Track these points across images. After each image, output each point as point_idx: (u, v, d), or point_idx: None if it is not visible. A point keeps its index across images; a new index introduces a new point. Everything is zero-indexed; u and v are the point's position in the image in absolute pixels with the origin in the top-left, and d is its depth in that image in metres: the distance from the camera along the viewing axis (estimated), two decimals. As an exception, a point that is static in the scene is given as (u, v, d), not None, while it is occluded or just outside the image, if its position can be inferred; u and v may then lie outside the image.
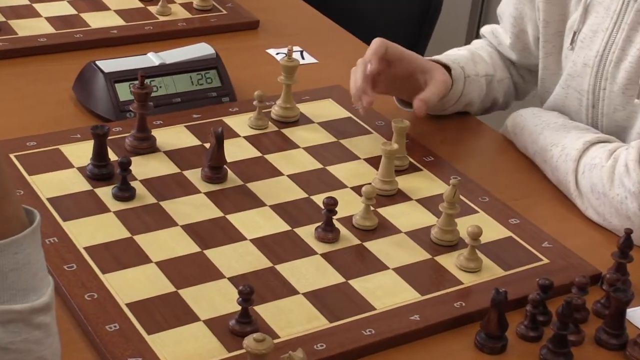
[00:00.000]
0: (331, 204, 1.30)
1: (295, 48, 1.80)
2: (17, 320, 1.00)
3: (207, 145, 1.43)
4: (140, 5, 1.95)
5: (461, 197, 1.40)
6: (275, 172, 1.47)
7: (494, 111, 1.74)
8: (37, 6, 1.91)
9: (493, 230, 1.36)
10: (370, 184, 1.40)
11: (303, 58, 1.80)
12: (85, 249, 1.26)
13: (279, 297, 1.21)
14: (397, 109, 1.67)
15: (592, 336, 1.19)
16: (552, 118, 1.55)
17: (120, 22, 1.89)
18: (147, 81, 1.52)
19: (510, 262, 1.30)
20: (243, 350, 1.01)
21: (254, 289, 1.12)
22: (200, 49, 1.67)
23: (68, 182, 1.40)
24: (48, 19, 1.87)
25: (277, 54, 1.74)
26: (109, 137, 1.45)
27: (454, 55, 1.67)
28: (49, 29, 1.83)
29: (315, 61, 1.80)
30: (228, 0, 1.99)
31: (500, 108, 1.74)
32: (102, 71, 1.57)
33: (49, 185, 1.38)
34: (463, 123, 1.66)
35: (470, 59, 1.67)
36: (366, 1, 1.81)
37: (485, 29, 1.81)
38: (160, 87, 1.59)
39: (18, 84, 1.68)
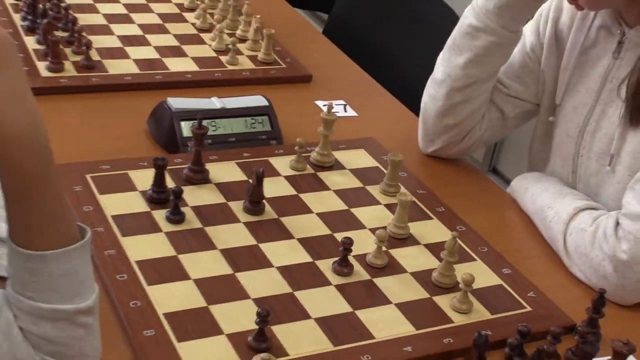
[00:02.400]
0: (347, 244, 1.30)
1: (340, 101, 1.82)
2: (63, 319, 1.02)
3: (251, 181, 1.44)
4: (214, 54, 1.98)
5: (463, 245, 1.42)
6: (306, 210, 1.47)
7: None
8: (129, 49, 1.95)
9: (487, 278, 1.36)
10: (385, 227, 1.40)
11: (345, 111, 1.81)
12: (137, 262, 1.27)
13: (293, 319, 1.21)
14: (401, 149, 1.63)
15: (561, 379, 1.18)
16: (551, 183, 1.55)
17: (194, 67, 1.91)
18: (208, 121, 1.56)
19: (497, 307, 1.29)
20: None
21: (271, 311, 1.13)
22: (257, 100, 1.69)
23: (130, 203, 1.41)
24: (135, 60, 1.89)
25: (324, 105, 1.73)
26: (171, 167, 1.47)
27: None
28: (134, 69, 1.85)
29: (356, 114, 1.80)
30: (287, 55, 2.02)
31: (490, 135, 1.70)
32: (170, 109, 1.60)
33: (115, 204, 1.40)
34: (474, 179, 1.67)
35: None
36: (404, 62, 1.78)
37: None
38: (219, 127, 1.60)
39: (102, 114, 1.70)
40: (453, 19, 1.63)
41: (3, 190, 1.00)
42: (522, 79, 1.64)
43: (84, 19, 1.99)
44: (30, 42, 1.86)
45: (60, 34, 1.84)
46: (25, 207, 1.01)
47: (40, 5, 1.92)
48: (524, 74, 1.64)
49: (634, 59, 1.43)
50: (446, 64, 1.60)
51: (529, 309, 1.29)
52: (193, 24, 2.08)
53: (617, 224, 1.35)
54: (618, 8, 1.46)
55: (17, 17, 1.96)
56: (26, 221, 1.01)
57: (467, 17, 1.56)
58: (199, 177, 1.50)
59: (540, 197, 1.51)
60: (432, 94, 1.63)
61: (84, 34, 1.86)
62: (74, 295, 1.02)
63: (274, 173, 1.54)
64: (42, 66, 1.77)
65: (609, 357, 1.14)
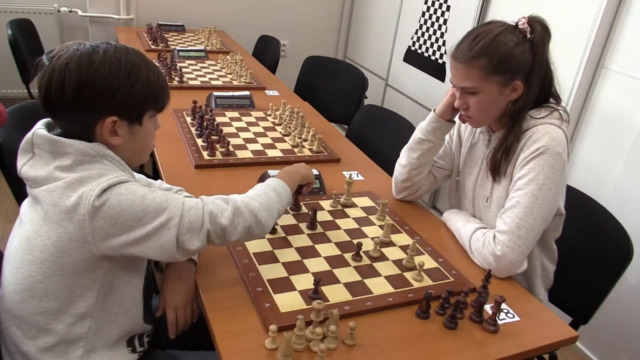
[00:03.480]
0: (360, 245, 1.33)
1: (355, 172, 1.83)
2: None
3: (310, 212, 1.46)
4: (290, 147, 1.94)
5: (418, 246, 1.42)
6: (337, 227, 1.46)
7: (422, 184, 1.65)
8: (248, 144, 1.91)
9: (431, 263, 1.35)
10: (379, 237, 1.42)
11: (357, 176, 1.81)
12: (253, 253, 1.30)
13: (332, 283, 1.22)
14: (386, 197, 1.65)
15: (468, 316, 1.19)
16: (462, 215, 1.54)
17: (280, 154, 1.87)
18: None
19: (436, 278, 1.30)
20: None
21: (320, 279, 1.16)
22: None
23: None
24: (251, 150, 1.88)
25: (348, 174, 1.74)
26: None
27: None
28: (250, 155, 1.84)
29: (363, 179, 1.80)
30: (327, 148, 1.97)
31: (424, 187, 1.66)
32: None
33: None
34: (424, 212, 1.64)
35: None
36: (388, 152, 1.79)
37: None
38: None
39: (234, 178, 1.70)
40: (412, 130, 1.64)
41: None
42: (443, 158, 1.64)
43: (226, 129, 2.02)
44: (199, 141, 1.89)
45: (213, 137, 1.88)
46: None
47: (205, 123, 1.97)
48: (445, 155, 1.64)
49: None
50: (407, 156, 1.60)
51: (452, 279, 1.30)
52: (280, 132, 2.08)
53: (494, 236, 1.36)
54: (489, 124, 1.48)
55: (192, 129, 1.99)
56: None
57: (417, 133, 1.58)
58: (294, 209, 1.52)
59: (457, 222, 1.50)
60: (399, 170, 1.63)
61: (225, 137, 1.89)
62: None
63: (321, 208, 1.55)
64: (205, 154, 1.79)
65: (492, 304, 1.17)
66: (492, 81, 1.32)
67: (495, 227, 1.37)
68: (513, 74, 1.32)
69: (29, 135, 1.02)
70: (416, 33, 3.28)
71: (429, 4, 3.15)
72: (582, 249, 1.60)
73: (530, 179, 1.32)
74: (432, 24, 3.12)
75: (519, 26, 1.33)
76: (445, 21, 3.02)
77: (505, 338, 1.14)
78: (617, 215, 1.55)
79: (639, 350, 2.09)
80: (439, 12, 3.07)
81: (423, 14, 3.21)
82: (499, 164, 1.41)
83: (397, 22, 3.48)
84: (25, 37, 3.12)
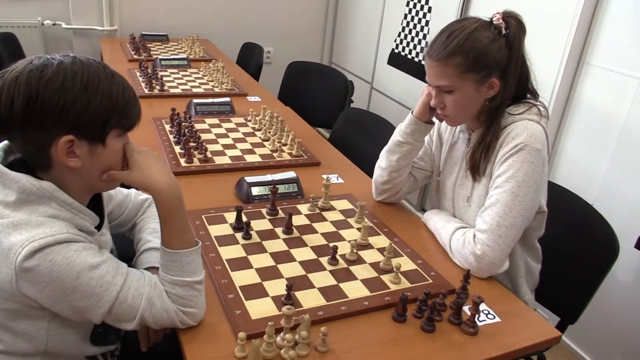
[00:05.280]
0: (335, 249, 1.30)
1: (335, 175, 1.81)
2: (187, 285, 1.03)
3: (286, 216, 1.43)
4: (270, 152, 1.91)
5: (397, 248, 1.39)
6: (314, 231, 1.43)
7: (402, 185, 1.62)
8: (226, 150, 1.91)
9: (409, 265, 1.32)
10: (356, 240, 1.38)
11: (337, 180, 1.79)
12: (226, 260, 1.27)
13: (306, 288, 1.19)
14: (365, 199, 1.62)
15: (447, 318, 1.16)
16: (443, 215, 1.51)
17: (259, 159, 1.85)
18: (267, 187, 1.57)
19: (414, 280, 1.27)
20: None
21: (293, 284, 1.13)
22: (290, 174, 1.68)
23: (224, 229, 1.39)
24: (230, 156, 1.86)
25: (327, 177, 1.72)
26: (245, 211, 1.47)
27: None
28: (229, 161, 1.83)
29: (343, 181, 1.78)
30: (308, 152, 1.95)
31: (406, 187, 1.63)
32: (246, 181, 1.60)
33: (216, 230, 1.39)
34: (404, 213, 1.62)
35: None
36: (368, 154, 1.76)
37: None
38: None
39: (212, 185, 1.68)
40: (391, 132, 1.61)
41: (159, 217, 1.02)
42: (423, 158, 1.61)
43: (204, 136, 2.00)
44: (177, 148, 1.87)
45: (191, 144, 1.86)
46: (169, 226, 1.02)
47: (182, 130, 1.94)
48: (425, 155, 1.61)
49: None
50: (386, 159, 1.58)
51: (430, 281, 1.27)
52: (260, 137, 2.06)
53: (474, 235, 1.33)
54: (467, 122, 1.46)
55: (171, 137, 1.97)
56: (169, 234, 1.02)
57: (396, 136, 1.56)
58: (273, 213, 1.49)
59: (437, 222, 1.47)
60: (379, 172, 1.61)
61: (203, 143, 1.87)
62: (192, 273, 1.03)
63: (298, 212, 1.52)
64: (182, 161, 1.77)
65: (470, 305, 1.13)
66: (468, 79, 1.29)
67: (476, 226, 1.34)
68: (489, 71, 1.29)
69: None
70: (399, 36, 3.26)
71: (411, 6, 3.13)
72: (568, 247, 1.57)
73: (509, 176, 1.29)
74: (415, 26, 3.10)
75: (494, 22, 1.31)
76: (427, 22, 3.00)
77: (485, 340, 1.11)
78: (604, 212, 1.52)
79: (633, 349, 2.05)
80: (420, 14, 3.05)
81: (405, 16, 3.19)
82: (478, 162, 1.38)
83: (380, 25, 3.46)
84: (9, 51, 3.09)
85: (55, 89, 0.88)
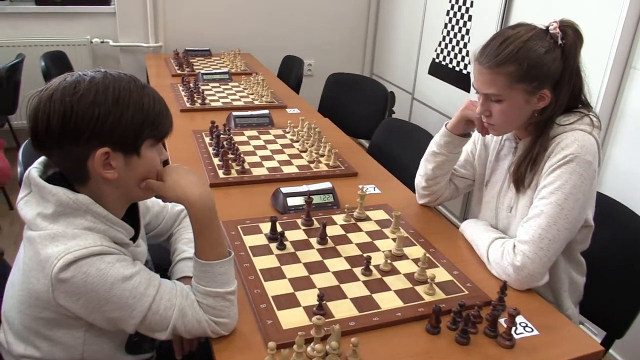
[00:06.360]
0: (368, 259, 1.29)
1: (371, 185, 1.80)
2: (219, 296, 1.03)
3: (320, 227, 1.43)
4: (307, 163, 1.93)
5: (432, 258, 1.38)
6: (349, 241, 1.43)
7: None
8: (264, 162, 1.93)
9: (444, 276, 1.31)
10: (390, 250, 1.37)
11: (374, 190, 1.78)
12: (260, 269, 1.28)
13: (338, 298, 1.19)
14: (401, 209, 1.60)
15: (482, 331, 1.14)
16: (480, 224, 1.48)
17: (296, 170, 1.86)
18: (303, 197, 1.57)
19: (449, 291, 1.25)
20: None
21: (325, 295, 1.13)
22: (326, 184, 1.69)
23: (259, 239, 1.41)
24: (267, 167, 1.89)
25: (363, 187, 1.71)
26: (281, 221, 1.48)
27: None
28: (266, 172, 1.84)
29: (380, 192, 1.77)
30: (345, 162, 1.95)
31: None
32: (282, 192, 1.61)
33: (251, 240, 1.40)
34: (441, 224, 1.59)
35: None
36: (406, 165, 1.75)
37: None
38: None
39: (249, 195, 1.69)
40: (429, 141, 1.60)
41: (192, 228, 1.03)
42: (465, 167, 1.60)
43: (242, 148, 2.02)
44: (215, 160, 1.89)
45: (230, 156, 1.88)
46: (202, 238, 1.04)
47: (221, 142, 1.98)
48: (467, 164, 1.60)
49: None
50: (424, 167, 1.59)
51: (466, 292, 1.25)
52: (297, 148, 2.07)
53: (514, 245, 1.30)
54: (512, 132, 1.43)
55: (210, 149, 1.99)
56: (202, 245, 1.04)
57: (431, 147, 1.56)
58: (308, 223, 1.50)
59: (474, 232, 1.45)
60: (419, 179, 1.62)
61: (241, 155, 1.89)
62: (224, 284, 1.04)
63: (334, 223, 1.52)
64: (220, 172, 1.80)
65: (506, 318, 1.10)
66: (519, 89, 1.25)
67: (517, 236, 1.30)
68: (541, 82, 1.25)
69: (27, 171, 0.99)
70: (439, 45, 3.23)
71: (451, 15, 3.10)
72: (614, 259, 1.51)
73: (556, 188, 1.25)
74: (455, 35, 3.08)
75: (550, 31, 1.26)
76: (467, 31, 2.97)
77: (523, 353, 1.08)
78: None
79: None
80: (461, 23, 3.02)
81: (445, 26, 3.16)
82: (524, 176, 1.34)
83: (421, 35, 3.44)
84: (58, 68, 3.23)
85: (89, 104, 0.91)
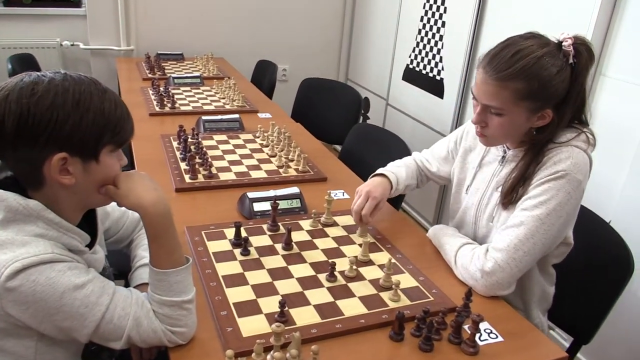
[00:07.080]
0: (333, 265, 1.27)
1: (340, 190, 1.79)
2: (176, 305, 1.00)
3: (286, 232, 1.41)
4: (276, 168, 1.94)
5: (398, 264, 1.37)
6: (315, 247, 1.41)
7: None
8: (232, 167, 1.93)
9: (410, 282, 1.30)
10: (356, 256, 1.36)
11: (343, 195, 1.77)
12: (222, 276, 1.26)
13: (301, 305, 1.17)
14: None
15: (447, 338, 1.12)
16: (449, 230, 1.47)
17: (265, 175, 1.84)
18: (269, 202, 1.55)
19: (414, 298, 1.23)
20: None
21: (287, 301, 1.12)
22: (293, 189, 1.67)
23: (223, 245, 1.38)
24: (234, 172, 1.87)
25: (330, 192, 1.70)
26: (245, 226, 1.46)
27: (395, 172, 1.60)
28: (233, 177, 1.83)
29: (348, 197, 1.76)
30: (315, 167, 1.95)
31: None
32: (248, 197, 1.59)
33: (214, 246, 1.38)
34: (411, 229, 1.59)
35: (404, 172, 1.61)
36: (375, 165, 1.73)
37: (416, 155, 1.70)
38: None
39: (216, 200, 1.68)
40: (401, 146, 1.59)
41: (147, 235, 1.00)
42: (444, 165, 1.60)
43: (210, 152, 2.00)
44: (182, 165, 1.87)
45: (197, 160, 1.86)
46: (157, 245, 1.01)
47: (190, 147, 1.96)
48: (447, 163, 1.60)
49: (510, 169, 1.34)
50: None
51: (432, 299, 1.23)
52: (267, 153, 2.05)
53: (487, 250, 1.28)
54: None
55: (177, 153, 1.97)
56: (157, 253, 1.01)
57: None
58: (274, 229, 1.48)
59: (443, 238, 1.43)
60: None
61: (209, 159, 1.88)
62: (181, 292, 1.01)
63: (300, 228, 1.51)
64: (187, 177, 1.77)
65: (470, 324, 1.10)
66: (523, 106, 1.21)
67: (492, 243, 1.29)
68: (546, 102, 1.21)
69: None
70: (413, 51, 3.25)
71: (425, 21, 3.12)
72: (581, 265, 1.51)
73: (541, 202, 1.22)
74: (429, 41, 3.09)
75: (564, 47, 1.20)
76: (441, 37, 2.98)
77: (486, 360, 1.07)
78: (622, 227, 1.47)
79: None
80: (434, 29, 3.03)
81: (419, 31, 3.18)
82: (514, 199, 1.30)
83: (395, 40, 3.45)
84: (26, 71, 3.15)
85: (47, 107, 0.87)
